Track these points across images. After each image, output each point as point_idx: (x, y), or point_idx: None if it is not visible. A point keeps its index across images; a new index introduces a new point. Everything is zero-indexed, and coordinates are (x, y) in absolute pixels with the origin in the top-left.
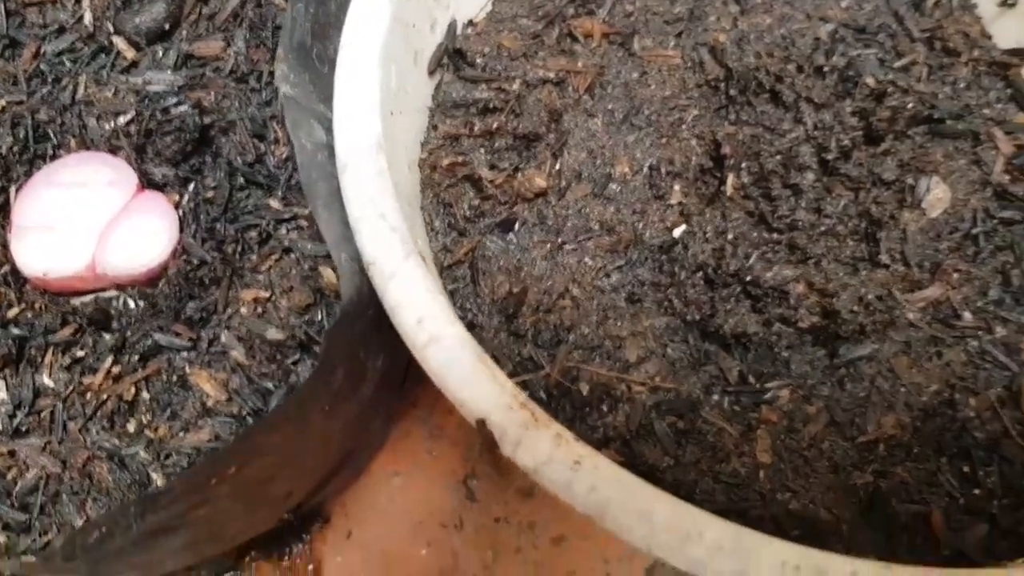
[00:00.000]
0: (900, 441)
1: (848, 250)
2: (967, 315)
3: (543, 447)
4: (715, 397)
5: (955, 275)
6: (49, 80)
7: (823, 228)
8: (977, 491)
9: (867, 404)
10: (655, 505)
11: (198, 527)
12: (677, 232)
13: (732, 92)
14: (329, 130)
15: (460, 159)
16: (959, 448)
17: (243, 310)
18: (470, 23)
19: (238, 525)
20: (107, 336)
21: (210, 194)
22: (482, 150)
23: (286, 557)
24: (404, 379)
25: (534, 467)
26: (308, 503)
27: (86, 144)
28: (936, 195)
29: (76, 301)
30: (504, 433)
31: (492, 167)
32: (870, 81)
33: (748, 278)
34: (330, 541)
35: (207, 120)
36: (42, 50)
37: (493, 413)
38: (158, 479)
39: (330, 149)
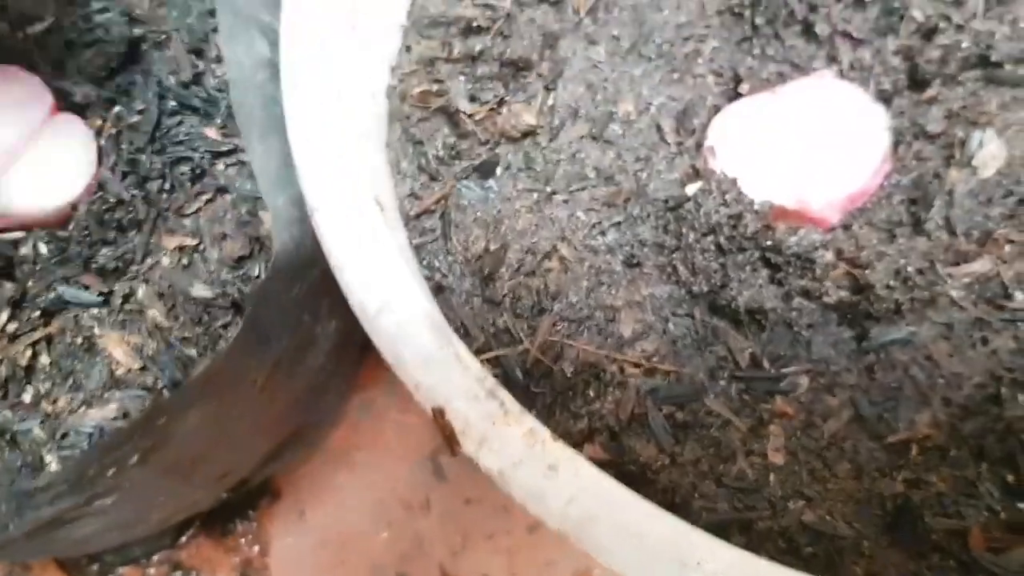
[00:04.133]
0: (936, 443)
1: (884, 212)
2: (1019, 295)
3: (513, 447)
4: (722, 383)
5: (1007, 247)
6: None
7: None
8: (1023, 505)
9: (899, 397)
10: (648, 525)
11: (107, 516)
12: (691, 189)
13: (758, 21)
14: (274, 44)
15: (435, 88)
16: (1004, 453)
17: (165, 260)
18: None
19: (165, 509)
20: (8, 286)
21: (135, 119)
22: (462, 77)
23: (229, 535)
24: (365, 344)
25: (500, 470)
26: (254, 480)
27: None
28: (990, 151)
29: None
30: (467, 426)
31: (472, 98)
32: (917, 15)
33: (768, 242)
34: (279, 520)
35: (138, 31)
36: None
37: (454, 400)
38: (52, 462)
39: (273, 68)
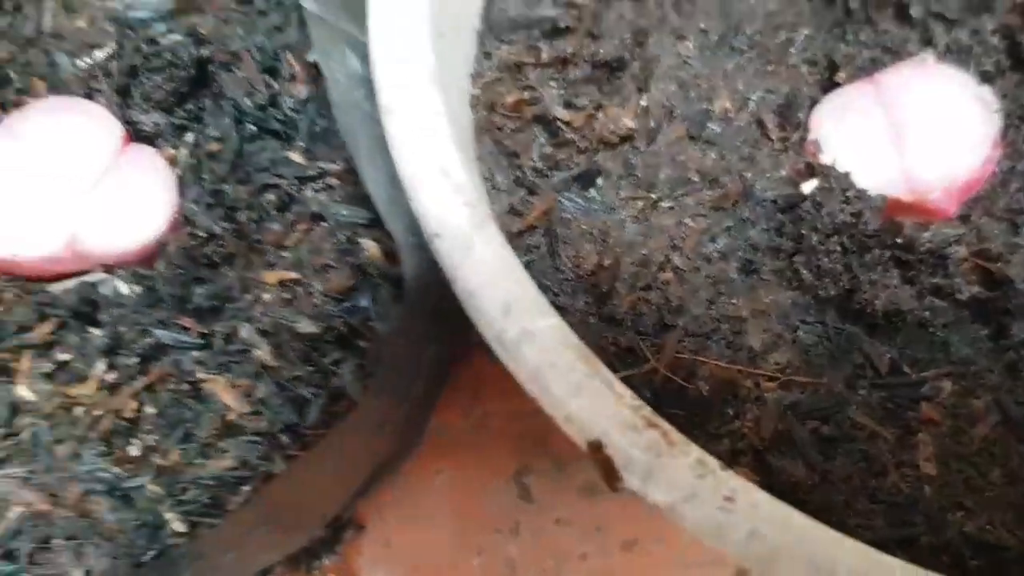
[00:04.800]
0: None
1: (1002, 200)
2: None
3: (682, 480)
4: (862, 392)
5: None
6: (8, 8)
7: None
8: None
9: None
10: (837, 554)
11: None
12: (808, 187)
13: (852, 5)
14: (365, 57)
15: (527, 95)
16: None
17: (266, 296)
18: None
19: (260, 559)
20: (96, 332)
21: (214, 147)
22: (554, 83)
23: (315, 572)
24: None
25: (670, 504)
26: (345, 514)
27: (56, 87)
28: None
29: (54, 288)
30: (629, 460)
31: (568, 104)
32: None
33: (898, 239)
34: (366, 552)
35: (205, 52)
36: None
37: (612, 433)
38: (174, 520)
39: (368, 83)
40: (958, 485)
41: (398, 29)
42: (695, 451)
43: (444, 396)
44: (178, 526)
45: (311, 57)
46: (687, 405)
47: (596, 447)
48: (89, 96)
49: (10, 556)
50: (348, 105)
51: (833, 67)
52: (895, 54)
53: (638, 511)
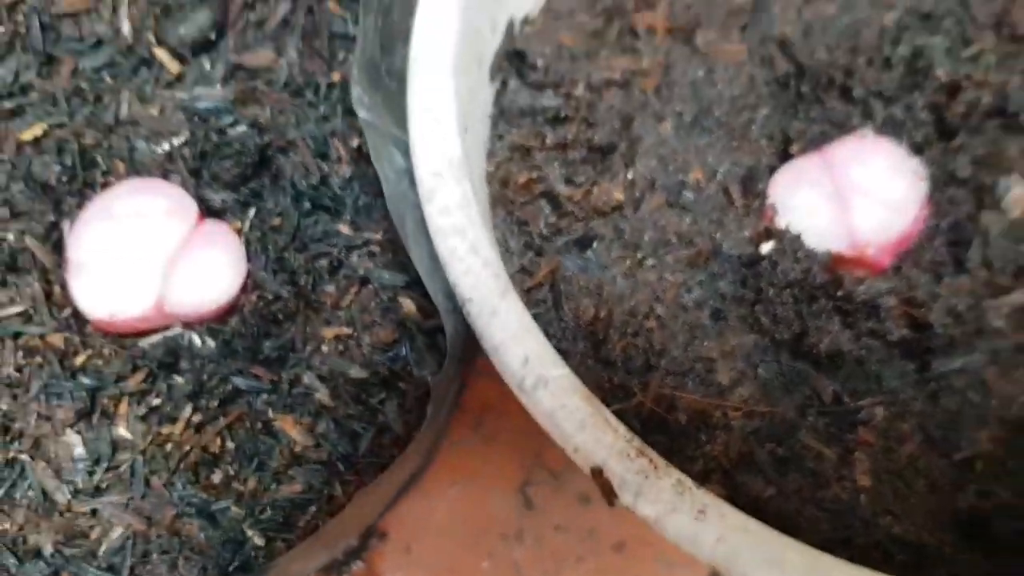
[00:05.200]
0: (996, 457)
1: (928, 254)
2: None
3: (665, 496)
4: (810, 419)
5: None
6: (90, 99)
7: None
8: None
9: (960, 419)
10: (786, 554)
11: None
12: (766, 248)
13: (803, 89)
14: (406, 154)
15: (535, 175)
16: None
17: (324, 348)
18: (526, 20)
19: (308, 567)
20: (179, 379)
21: (276, 221)
22: (556, 164)
23: None
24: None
25: (656, 517)
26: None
27: (136, 169)
28: (1016, 195)
29: (143, 343)
30: (623, 482)
31: (568, 181)
32: (940, 73)
33: (839, 292)
34: (389, 558)
35: (266, 139)
36: (80, 66)
37: (610, 460)
38: (254, 536)
39: (410, 175)
40: (888, 495)
41: (433, 130)
42: (675, 473)
43: (454, 417)
44: (258, 541)
45: (354, 141)
46: (668, 432)
47: (597, 472)
48: (165, 176)
49: (113, 569)
50: (396, 195)
51: (788, 141)
52: (840, 128)
53: (625, 516)
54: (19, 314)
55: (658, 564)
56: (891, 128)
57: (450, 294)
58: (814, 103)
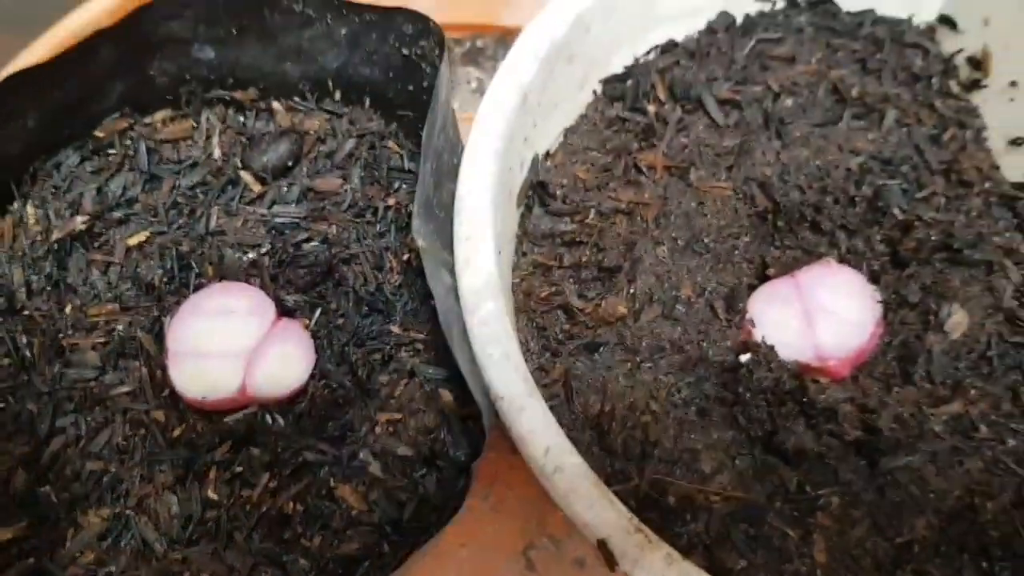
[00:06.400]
0: (931, 541)
1: (881, 367)
2: (983, 428)
3: (657, 566)
4: (778, 504)
5: (972, 392)
6: (185, 212)
7: None
8: None
9: (903, 509)
10: None
11: None
12: (744, 358)
13: (780, 223)
14: (452, 273)
15: (553, 289)
16: (979, 547)
17: (377, 429)
18: (547, 155)
19: None
20: (257, 451)
21: (339, 320)
22: (571, 280)
23: None
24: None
25: None
26: None
27: (224, 273)
28: (956, 319)
29: (228, 419)
30: (624, 553)
31: (581, 296)
32: (896, 212)
33: (804, 399)
34: None
35: (332, 252)
36: (177, 183)
37: (613, 535)
38: None
39: (455, 292)
40: (841, 570)
41: (474, 255)
42: (665, 547)
43: (466, 484)
44: None
45: (404, 255)
46: (660, 511)
47: (602, 544)
48: (248, 280)
49: None
50: (445, 308)
51: (765, 265)
52: (810, 255)
53: None
54: (127, 393)
55: None
56: (853, 257)
57: (486, 391)
58: (788, 233)
